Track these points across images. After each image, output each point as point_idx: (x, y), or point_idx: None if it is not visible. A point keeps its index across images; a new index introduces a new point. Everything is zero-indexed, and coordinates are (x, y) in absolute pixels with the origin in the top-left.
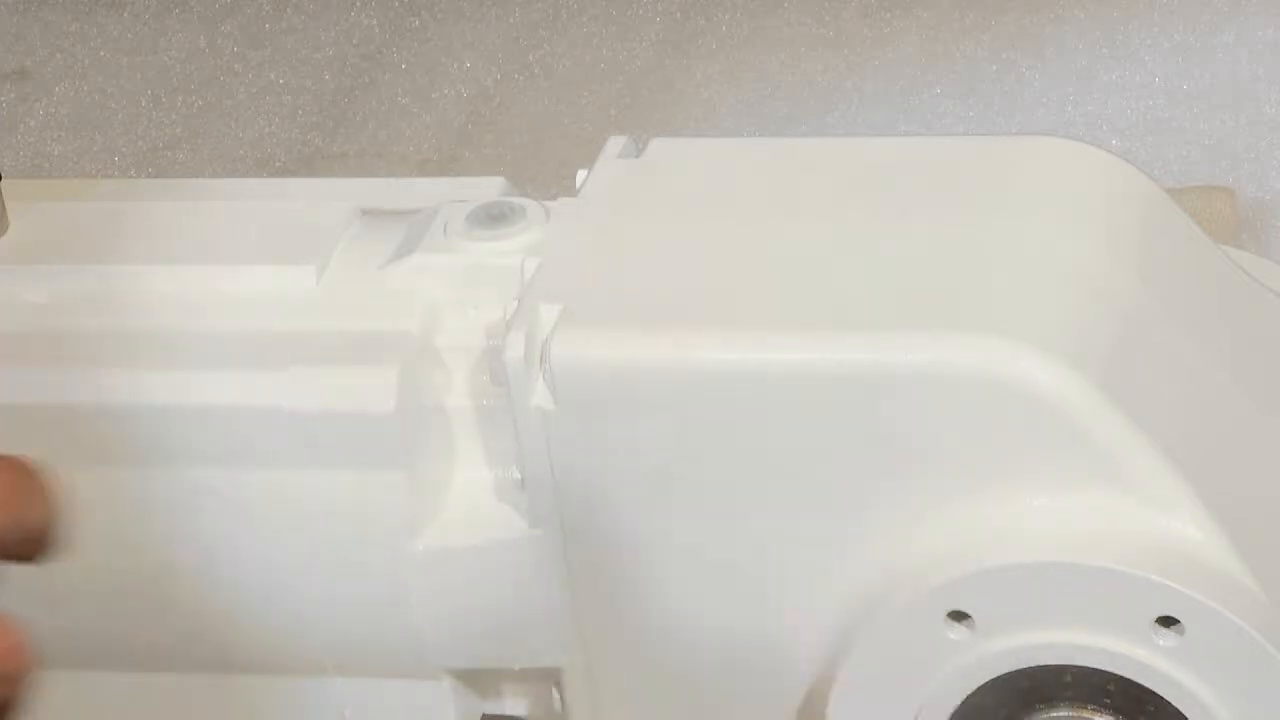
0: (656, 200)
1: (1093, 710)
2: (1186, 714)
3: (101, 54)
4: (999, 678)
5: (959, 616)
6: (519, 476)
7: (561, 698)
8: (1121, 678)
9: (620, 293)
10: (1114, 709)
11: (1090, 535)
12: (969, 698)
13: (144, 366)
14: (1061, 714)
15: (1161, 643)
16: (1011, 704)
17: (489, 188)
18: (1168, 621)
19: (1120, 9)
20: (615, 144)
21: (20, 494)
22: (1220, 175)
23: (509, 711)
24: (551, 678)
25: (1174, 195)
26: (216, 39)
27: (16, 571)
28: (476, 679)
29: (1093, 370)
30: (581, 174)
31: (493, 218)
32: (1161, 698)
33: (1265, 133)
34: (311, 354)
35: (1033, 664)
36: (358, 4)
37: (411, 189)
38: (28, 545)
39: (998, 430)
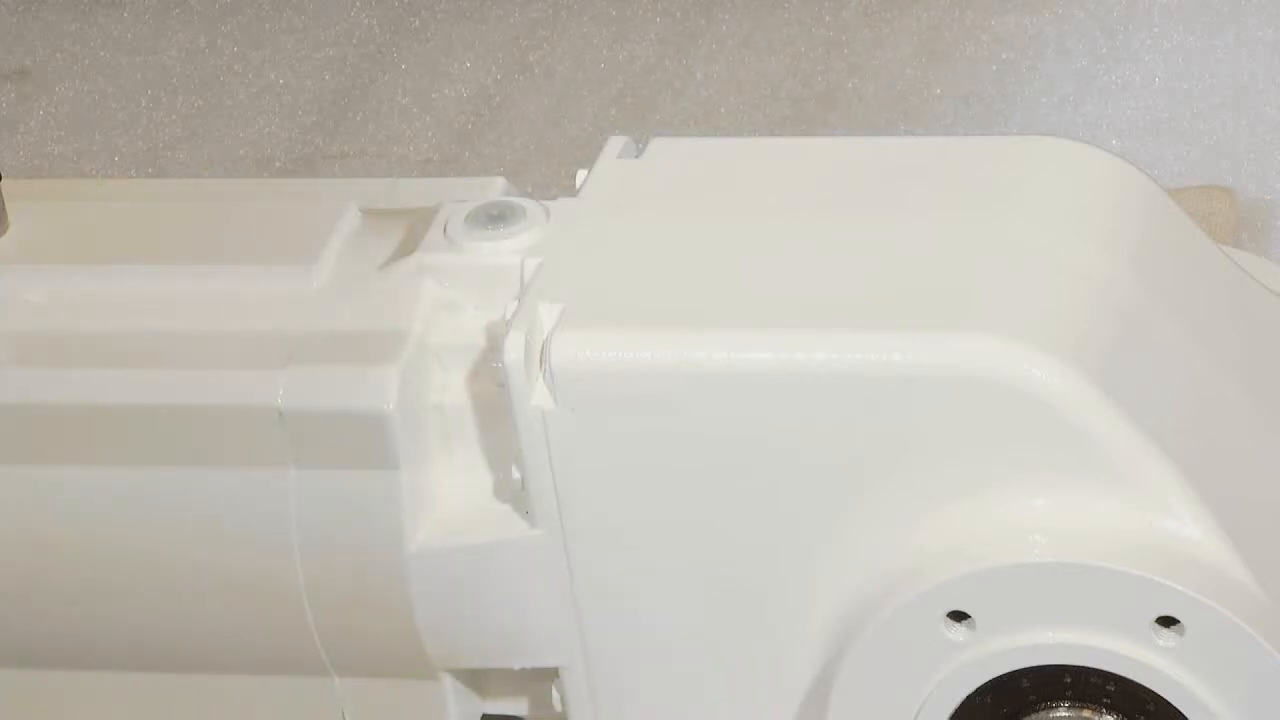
0: (656, 200)
1: (1093, 710)
2: (1186, 714)
3: (101, 54)
4: (999, 678)
5: (959, 616)
6: (519, 476)
7: (562, 698)
8: (1121, 678)
9: (620, 293)
10: (1114, 709)
11: (1090, 535)
12: (969, 698)
13: (143, 366)
14: (1061, 714)
15: (1161, 643)
16: (1011, 704)
17: (489, 188)
18: (1168, 621)
19: (1120, 9)
20: (615, 144)
21: None
22: (1220, 175)
23: (509, 711)
24: (551, 678)
25: (1174, 195)
26: (216, 39)
27: (15, 572)
28: (476, 679)
29: (1092, 370)
30: (581, 174)
31: (493, 218)
32: (1161, 698)
33: (1265, 133)
34: (311, 354)
35: (1033, 664)
36: (358, 4)
37: (411, 189)
38: None
39: (997, 430)
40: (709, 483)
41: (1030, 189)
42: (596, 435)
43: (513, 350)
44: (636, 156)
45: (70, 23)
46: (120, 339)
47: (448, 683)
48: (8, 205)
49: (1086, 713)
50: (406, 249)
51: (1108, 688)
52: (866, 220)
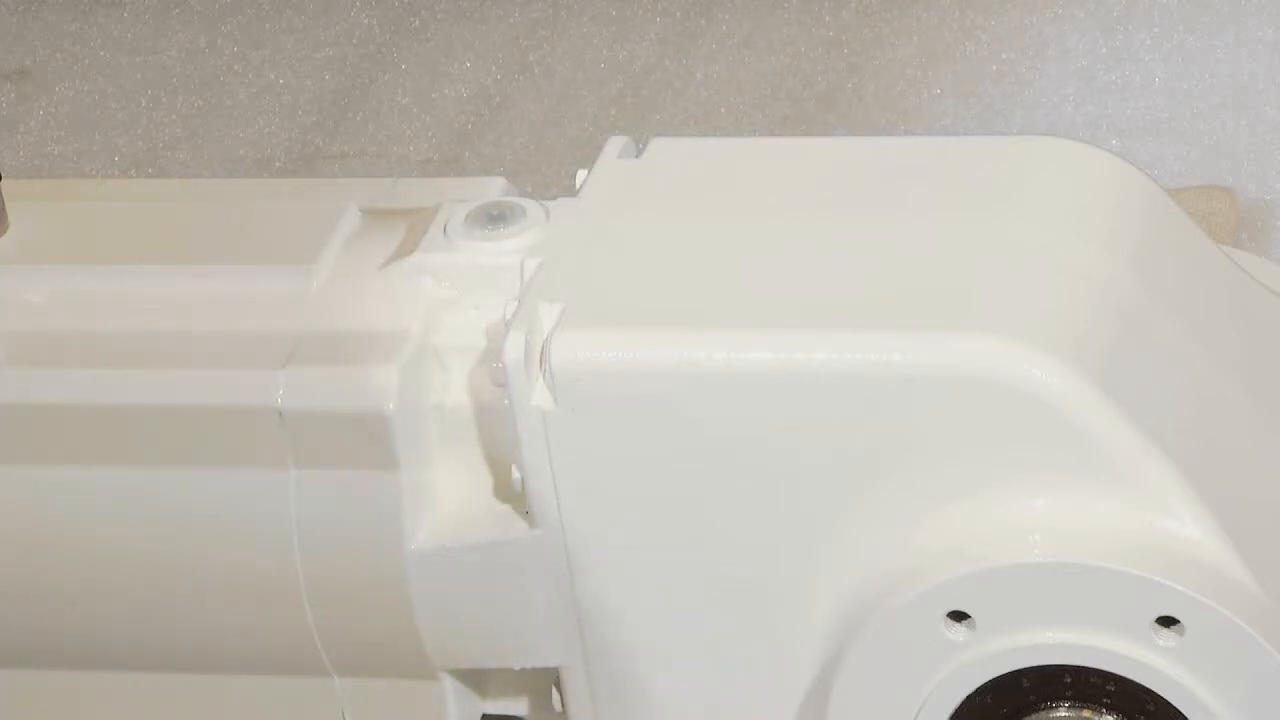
0: (656, 200)
1: (1093, 710)
2: (1186, 714)
3: (101, 54)
4: (999, 678)
5: (959, 616)
6: (519, 476)
7: (562, 698)
8: (1121, 678)
9: (620, 293)
10: (1114, 709)
11: (1090, 535)
12: (969, 698)
13: (143, 366)
14: (1061, 714)
15: (1161, 643)
16: (1011, 704)
17: (489, 188)
18: (1168, 621)
19: (1120, 9)
20: (615, 144)
21: None
22: (1220, 175)
23: (509, 711)
24: (551, 678)
25: (1174, 195)
26: (216, 39)
27: (15, 572)
28: (476, 679)
29: (1092, 370)
30: (581, 174)
31: (493, 218)
32: (1161, 698)
33: (1265, 133)
34: (311, 354)
35: (1033, 664)
36: (358, 4)
37: (411, 189)
38: None
39: (997, 430)
40: (709, 483)
41: (1030, 189)
42: (596, 435)
43: (513, 350)
44: (636, 156)
45: (70, 23)
46: (120, 339)
47: (448, 683)
48: (8, 205)
49: (1086, 713)
50: (406, 249)
51: (1108, 688)
52: (866, 220)
